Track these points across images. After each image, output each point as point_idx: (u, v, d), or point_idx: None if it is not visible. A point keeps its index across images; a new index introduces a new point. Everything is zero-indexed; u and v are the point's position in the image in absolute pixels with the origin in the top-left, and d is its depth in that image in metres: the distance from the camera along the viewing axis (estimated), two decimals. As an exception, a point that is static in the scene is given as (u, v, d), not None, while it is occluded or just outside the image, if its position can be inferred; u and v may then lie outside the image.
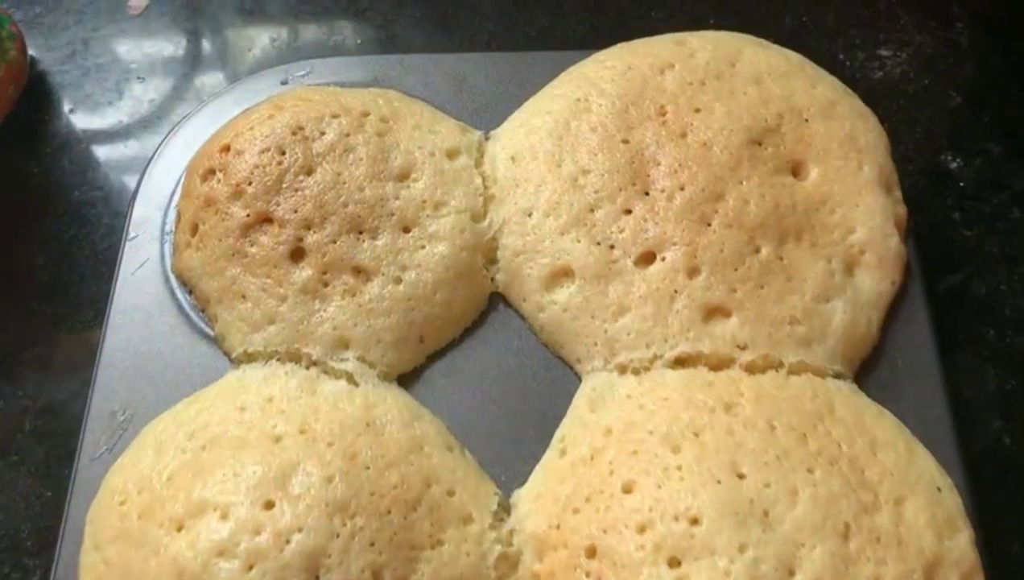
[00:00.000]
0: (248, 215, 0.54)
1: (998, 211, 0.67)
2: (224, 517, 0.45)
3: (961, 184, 0.68)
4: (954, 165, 0.69)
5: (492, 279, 0.56)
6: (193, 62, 0.79)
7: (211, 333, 0.55)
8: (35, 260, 0.69)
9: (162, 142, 0.64)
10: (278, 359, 0.53)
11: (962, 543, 0.46)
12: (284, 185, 0.54)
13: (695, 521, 0.44)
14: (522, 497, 0.49)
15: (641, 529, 0.44)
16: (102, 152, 0.74)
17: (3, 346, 0.66)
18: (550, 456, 0.51)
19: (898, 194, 0.57)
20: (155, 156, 0.63)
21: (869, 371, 0.53)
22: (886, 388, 0.53)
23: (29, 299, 0.67)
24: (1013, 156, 0.69)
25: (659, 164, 0.55)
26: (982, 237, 0.66)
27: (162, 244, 0.59)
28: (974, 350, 0.62)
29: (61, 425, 0.62)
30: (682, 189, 0.54)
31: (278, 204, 0.54)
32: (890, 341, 0.54)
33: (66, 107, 0.76)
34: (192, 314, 0.56)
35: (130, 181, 0.72)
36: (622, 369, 0.52)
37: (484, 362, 0.55)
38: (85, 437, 0.53)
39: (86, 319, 0.66)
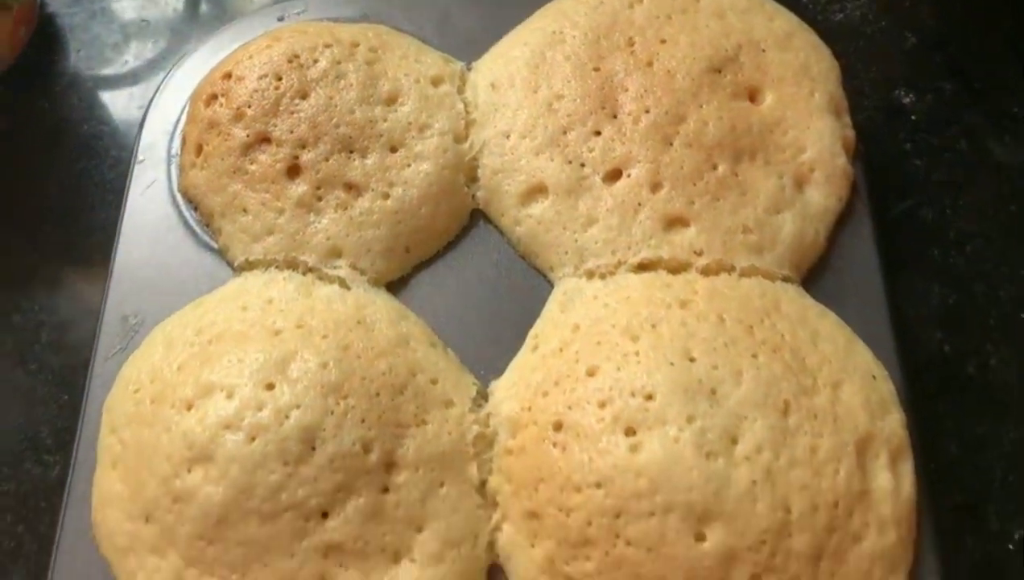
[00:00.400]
0: (248, 135, 0.59)
1: (947, 143, 0.72)
2: (229, 396, 0.50)
3: (913, 118, 0.73)
4: (907, 101, 0.74)
5: (473, 196, 0.61)
6: (196, 6, 0.83)
7: (215, 245, 0.60)
8: (48, 189, 0.73)
9: (166, 75, 0.68)
10: (277, 266, 0.57)
11: (893, 424, 0.52)
12: (281, 108, 0.59)
13: (649, 397, 0.49)
14: (498, 386, 0.55)
15: (602, 405, 0.49)
16: (108, 90, 0.79)
17: (20, 266, 0.70)
18: (524, 352, 0.56)
19: (847, 120, 0.62)
20: (160, 88, 0.68)
21: (815, 279, 0.58)
22: (831, 295, 0.58)
23: (43, 224, 0.72)
24: (963, 93, 0.74)
25: (627, 90, 0.60)
26: (931, 167, 0.71)
27: (168, 166, 0.63)
28: (920, 269, 0.68)
29: (75, 337, 0.67)
30: (647, 112, 0.59)
31: (275, 125, 0.59)
32: (836, 253, 0.59)
33: (73, 48, 0.81)
34: (197, 229, 0.61)
35: (135, 116, 0.76)
36: (590, 274, 0.57)
37: (465, 272, 0.60)
38: (100, 340, 0.58)
39: (96, 242, 0.71)
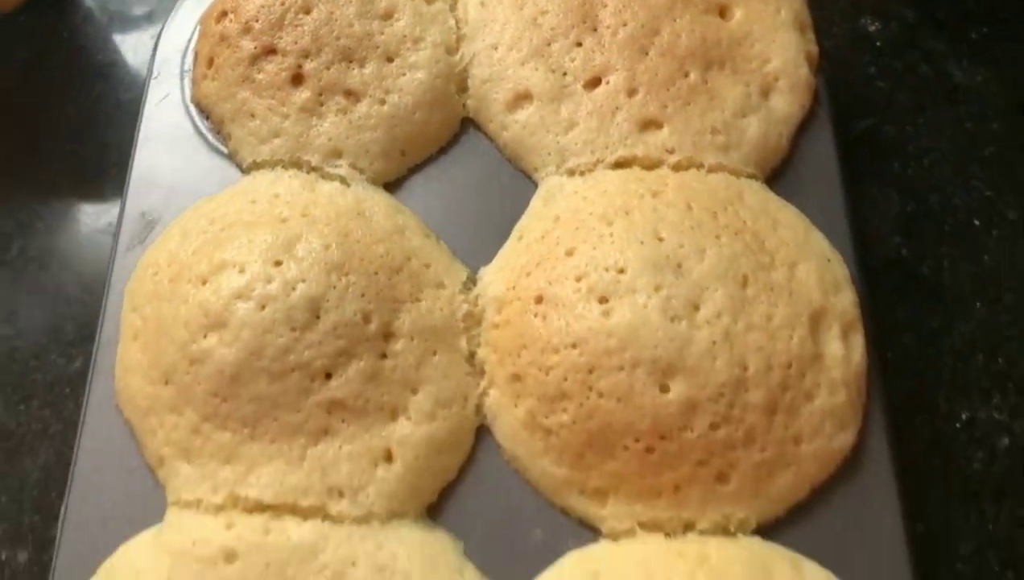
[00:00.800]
0: (255, 47, 0.64)
1: (909, 67, 0.77)
2: (241, 271, 0.55)
3: (878, 44, 0.78)
4: (873, 28, 0.79)
5: (463, 105, 0.65)
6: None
7: (225, 150, 0.65)
8: (66, 111, 0.78)
9: (179, 1, 0.73)
10: (282, 166, 0.62)
11: (845, 302, 0.57)
12: (286, 22, 0.64)
13: (621, 270, 0.54)
14: (486, 272, 0.60)
15: (578, 278, 0.54)
16: (123, 23, 0.84)
17: (40, 181, 0.76)
18: (510, 242, 0.61)
19: (811, 36, 0.67)
20: (173, 11, 0.72)
21: (778, 179, 0.63)
22: (792, 194, 0.63)
23: (62, 143, 0.77)
24: (926, 20, 0.79)
25: (606, 5, 0.64)
26: (894, 89, 0.76)
27: (182, 81, 0.68)
28: (881, 181, 0.73)
29: (94, 243, 0.72)
30: (624, 25, 0.63)
31: (281, 37, 0.64)
32: (798, 157, 0.64)
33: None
34: (208, 136, 0.66)
35: (148, 45, 0.81)
36: (571, 172, 0.61)
37: (456, 175, 0.64)
38: (120, 236, 0.63)
39: (112, 159, 0.76)
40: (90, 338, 0.61)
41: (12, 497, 0.63)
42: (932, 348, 0.66)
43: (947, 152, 0.73)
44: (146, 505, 0.54)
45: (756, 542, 0.52)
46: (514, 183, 0.64)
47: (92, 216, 0.74)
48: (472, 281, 0.60)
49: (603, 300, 0.53)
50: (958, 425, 0.64)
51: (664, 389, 0.51)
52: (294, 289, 0.54)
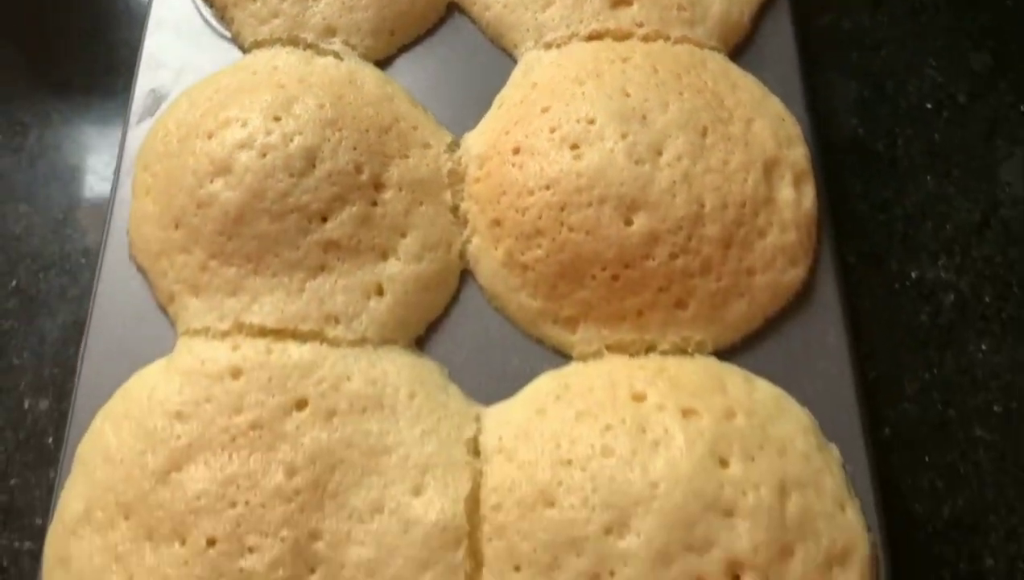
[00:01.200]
0: (255, -65, 0.69)
1: (867, -33, 0.82)
2: (244, 125, 0.60)
3: (839, -55, 0.83)
4: (835, -69, 0.84)
5: (449, -13, 0.71)
6: None
7: (228, 34, 0.70)
8: (79, 12, 0.83)
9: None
10: (281, 43, 0.67)
11: (798, 154, 0.62)
12: (283, -88, 0.69)
13: (591, 121, 0.59)
14: (469, 136, 0.65)
15: (552, 130, 0.60)
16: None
17: (55, 79, 0.81)
18: (491, 110, 0.66)
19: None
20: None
21: (740, 55, 0.68)
22: (753, 69, 0.68)
23: (75, 42, 0.82)
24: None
25: None
26: (853, -13, 0.81)
27: (187, -28, 0.74)
28: (839, 70, 0.78)
29: (107, 131, 0.77)
30: (597, -86, 0.69)
31: (279, -74, 0.69)
32: (760, 36, 0.69)
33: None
34: (212, 21, 0.71)
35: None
36: (548, 46, 0.66)
37: (442, 53, 0.70)
38: (131, 111, 0.69)
39: (122, 56, 0.81)
40: (103, 217, 0.67)
41: (33, 352, 0.69)
42: (885, 215, 0.72)
43: (902, 43, 0.78)
44: (158, 345, 0.60)
45: (712, 360, 0.57)
46: (496, 61, 0.69)
47: (105, 109, 0.79)
48: (456, 145, 0.65)
49: (574, 147, 0.58)
50: (908, 283, 0.69)
51: (628, 222, 0.57)
52: (292, 140, 0.59)
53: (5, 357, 0.69)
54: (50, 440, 0.65)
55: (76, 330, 0.69)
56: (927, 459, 0.64)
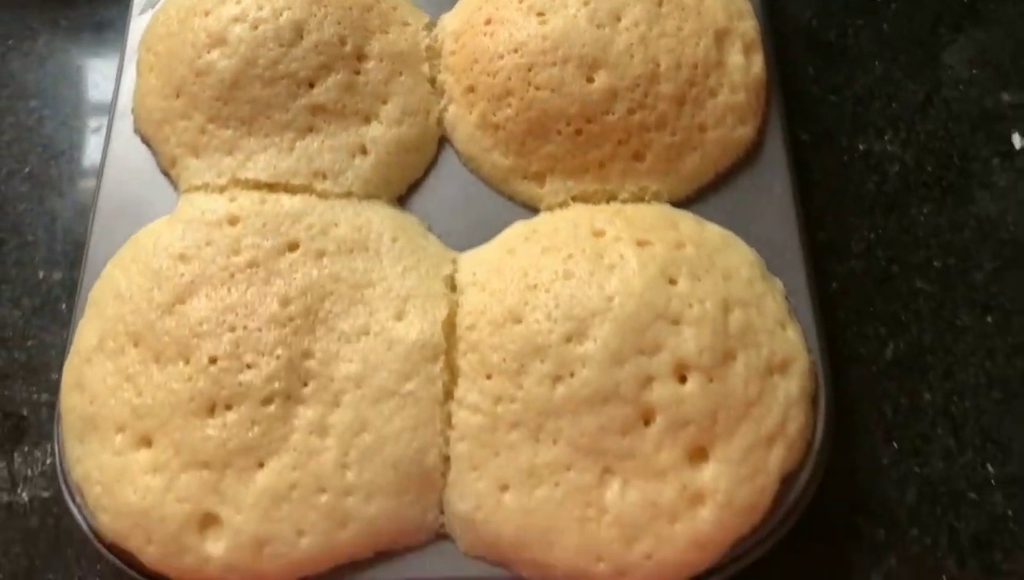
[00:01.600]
0: None
1: None
2: (238, 2, 0.65)
3: None
4: None
5: None
6: None
7: (221, -67, 0.75)
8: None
9: None
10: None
11: (748, 26, 0.67)
12: None
13: None
14: (445, 16, 0.70)
15: (520, 1, 0.65)
16: None
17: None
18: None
19: None
20: None
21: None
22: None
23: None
24: None
25: None
26: None
27: None
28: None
29: (112, 37, 0.83)
30: None
31: None
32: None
33: None
34: (207, -78, 0.76)
35: None
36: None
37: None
38: (133, 3, 0.74)
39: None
40: (107, 110, 0.72)
41: (46, 229, 0.74)
42: (836, 97, 0.77)
43: (855, -58, 0.84)
44: (163, 207, 0.65)
45: (667, 206, 0.62)
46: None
47: (109, 12, 0.84)
48: (433, 24, 0.70)
49: (540, 14, 0.64)
50: (856, 156, 0.74)
51: (590, 80, 0.62)
52: (281, 15, 0.64)
53: (20, 234, 0.74)
54: (63, 306, 0.71)
55: (84, 210, 0.74)
56: (871, 310, 0.69)
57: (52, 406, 0.66)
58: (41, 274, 0.73)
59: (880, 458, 0.64)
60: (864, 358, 0.67)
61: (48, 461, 0.65)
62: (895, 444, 0.64)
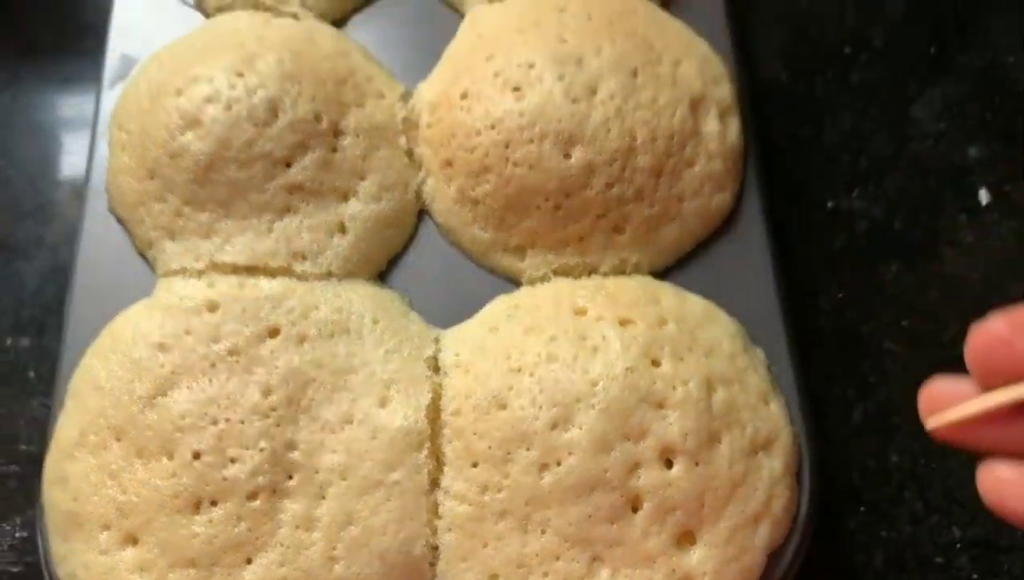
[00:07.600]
0: (213, -94, 0.73)
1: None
2: (210, 81, 0.64)
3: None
4: None
5: (398, -48, 0.75)
6: None
7: (191, 1, 0.74)
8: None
9: None
10: (241, 7, 0.72)
11: (723, 92, 0.68)
12: None
13: (531, 65, 0.64)
14: (421, 86, 0.70)
15: (496, 75, 0.65)
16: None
17: (24, 41, 0.84)
18: (440, 62, 0.70)
19: None
20: None
21: (669, 6, 0.74)
22: (681, 15, 0.73)
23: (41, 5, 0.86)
24: None
25: None
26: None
27: (149, -54, 0.78)
28: (765, 17, 0.84)
29: (78, 89, 0.82)
30: None
31: None
32: (687, -6, 0.75)
33: None
34: (176, -8, 0.75)
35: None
36: (491, 0, 0.72)
37: (393, 15, 0.74)
38: (104, 75, 0.72)
39: (88, 19, 0.84)
40: (76, 171, 0.71)
41: (13, 294, 0.73)
42: (805, 150, 0.78)
43: (822, -9, 0.85)
44: (140, 289, 0.64)
45: (647, 278, 0.63)
46: (445, 18, 0.74)
47: (75, 68, 0.83)
48: (409, 95, 0.70)
49: (516, 89, 0.64)
50: (825, 211, 0.75)
51: (567, 156, 0.62)
52: (255, 93, 0.64)
53: (-15, 300, 0.73)
54: (31, 374, 0.70)
55: (53, 274, 0.73)
56: (840, 371, 0.70)
57: (21, 478, 0.66)
58: (8, 341, 0.72)
59: (848, 522, 0.65)
60: (833, 420, 0.68)
61: (18, 534, 0.65)
62: (862, 508, 0.65)
